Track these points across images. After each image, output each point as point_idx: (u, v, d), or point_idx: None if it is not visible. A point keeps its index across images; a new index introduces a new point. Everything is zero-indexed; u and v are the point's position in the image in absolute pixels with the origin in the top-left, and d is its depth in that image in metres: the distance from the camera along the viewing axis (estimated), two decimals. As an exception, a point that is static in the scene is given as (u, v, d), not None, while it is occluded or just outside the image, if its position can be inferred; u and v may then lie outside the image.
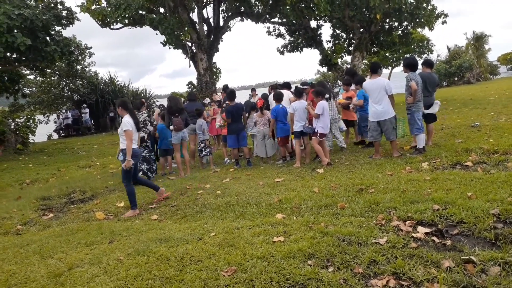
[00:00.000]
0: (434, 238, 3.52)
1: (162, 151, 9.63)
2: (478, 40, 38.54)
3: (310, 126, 8.00)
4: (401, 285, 2.83)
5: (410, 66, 7.51)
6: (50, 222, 6.43)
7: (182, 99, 13.68)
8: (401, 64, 8.43)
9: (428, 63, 8.25)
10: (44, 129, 24.40)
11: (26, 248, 4.99)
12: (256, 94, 12.88)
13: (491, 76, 39.77)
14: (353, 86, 9.51)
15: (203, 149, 9.38)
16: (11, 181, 11.67)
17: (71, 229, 5.64)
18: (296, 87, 9.54)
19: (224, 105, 10.52)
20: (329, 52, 22.00)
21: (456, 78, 35.66)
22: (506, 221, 3.67)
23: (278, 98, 8.69)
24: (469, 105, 14.70)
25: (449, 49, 38.17)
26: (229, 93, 9.13)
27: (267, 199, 5.63)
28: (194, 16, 19.64)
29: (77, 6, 18.41)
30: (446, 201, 4.33)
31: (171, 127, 8.63)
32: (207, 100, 12.68)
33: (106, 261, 3.96)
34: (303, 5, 17.97)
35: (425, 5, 18.03)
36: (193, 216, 5.57)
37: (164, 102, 14.27)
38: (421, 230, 3.68)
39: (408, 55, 25.40)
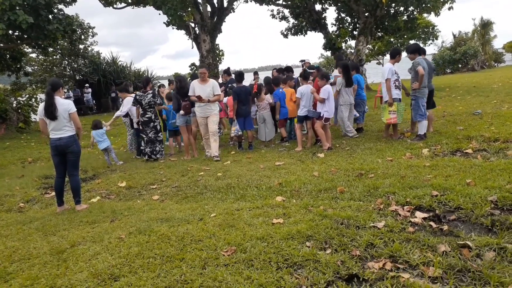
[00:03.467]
0: (431, 223, 3.56)
1: (171, 132, 9.68)
2: (485, 27, 38.06)
3: (314, 110, 7.99)
4: (397, 267, 2.89)
5: (416, 51, 7.50)
6: (52, 200, 6.50)
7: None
8: (405, 51, 8.38)
9: (423, 50, 8.23)
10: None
11: (28, 225, 5.06)
12: (259, 78, 12.80)
13: (495, 64, 39.41)
14: (336, 72, 9.56)
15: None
16: (13, 159, 11.76)
17: (73, 208, 5.71)
18: (304, 70, 9.51)
19: (228, 87, 10.46)
20: (334, 36, 21.78)
21: (460, 65, 35.35)
22: (503, 208, 3.71)
23: (277, 82, 9.25)
24: (472, 92, 14.63)
25: (454, 35, 37.75)
26: (238, 74, 8.94)
27: (267, 182, 5.68)
28: (198, -4, 19.43)
29: (80, -16, 18.20)
30: (445, 187, 4.37)
31: (181, 112, 8.52)
32: None
33: (108, 239, 4.03)
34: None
35: (431, -10, 17.80)
36: (194, 197, 5.63)
37: (166, 83, 14.22)
38: (419, 215, 3.72)
39: (412, 41, 25.17)
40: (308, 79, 8.48)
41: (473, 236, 3.26)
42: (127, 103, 9.46)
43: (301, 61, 11.95)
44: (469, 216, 3.64)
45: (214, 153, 8.14)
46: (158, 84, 14.82)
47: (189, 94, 8.15)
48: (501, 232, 3.24)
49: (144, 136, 8.90)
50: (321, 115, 7.78)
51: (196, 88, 8.06)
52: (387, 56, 34.09)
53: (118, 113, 9.77)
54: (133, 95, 9.21)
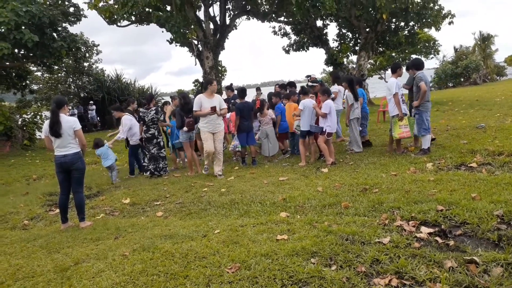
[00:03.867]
0: (437, 238, 3.53)
1: (174, 148, 9.73)
2: (485, 41, 38.29)
3: (317, 125, 8.02)
4: (404, 284, 2.85)
5: (417, 66, 7.56)
6: (56, 217, 6.50)
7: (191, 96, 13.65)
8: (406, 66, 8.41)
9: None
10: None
11: (33, 242, 5.05)
12: (261, 93, 12.87)
13: (497, 78, 39.49)
14: (334, 87, 9.59)
15: None
16: (18, 176, 11.79)
17: (77, 225, 5.71)
18: (302, 86, 9.57)
19: (231, 103, 10.51)
20: (335, 51, 21.97)
21: (462, 79, 35.46)
22: (509, 223, 3.68)
23: (277, 95, 9.63)
24: (475, 106, 14.64)
25: (456, 49, 37.95)
26: (240, 91, 9.02)
27: (271, 198, 5.66)
28: (201, 14, 19.65)
29: (85, 3, 18.51)
30: (450, 201, 4.34)
31: (185, 129, 8.52)
32: None
33: (112, 257, 4.01)
34: (309, 4, 17.94)
35: (432, 5, 17.98)
36: (198, 213, 5.62)
37: (169, 99, 14.29)
38: (425, 230, 3.69)
39: (414, 56, 25.33)
40: (308, 94, 8.51)
41: (480, 251, 3.22)
42: (125, 122, 9.38)
43: (307, 76, 11.99)
44: (475, 231, 3.61)
45: (217, 172, 8.06)
46: (163, 101, 14.88)
47: (195, 108, 7.92)
48: (508, 247, 3.20)
49: (146, 152, 8.92)
50: (324, 130, 7.80)
51: (203, 102, 7.88)
52: (389, 71, 34.35)
53: (120, 135, 9.54)
54: (127, 114, 9.33)
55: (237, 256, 3.55)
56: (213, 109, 7.78)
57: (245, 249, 3.70)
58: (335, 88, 9.70)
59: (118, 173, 9.28)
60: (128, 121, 9.22)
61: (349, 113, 8.66)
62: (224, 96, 12.89)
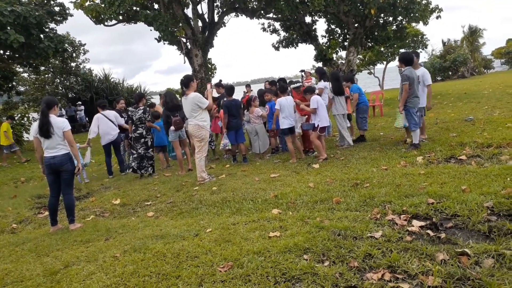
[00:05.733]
0: (428, 231, 3.54)
1: (157, 148, 9.63)
2: (473, 34, 38.65)
3: (308, 123, 8.01)
4: (396, 278, 2.85)
5: (406, 61, 7.49)
6: (45, 220, 6.41)
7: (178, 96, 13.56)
8: (397, 59, 8.34)
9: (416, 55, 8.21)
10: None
11: (21, 246, 4.97)
12: (251, 90, 12.82)
13: (485, 70, 39.92)
14: (321, 84, 9.62)
15: None
16: (6, 179, 11.62)
17: (66, 227, 5.63)
18: (279, 83, 9.50)
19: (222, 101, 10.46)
20: (324, 47, 21.98)
21: (450, 73, 35.79)
22: (499, 214, 3.70)
23: (261, 93, 9.58)
24: (463, 99, 14.76)
25: (444, 43, 38.26)
26: (228, 88, 8.94)
27: (263, 195, 5.64)
28: (189, 12, 19.53)
29: (71, 2, 18.27)
30: (440, 194, 4.36)
31: (172, 128, 8.45)
32: None
33: (102, 259, 3.96)
34: (297, 0, 17.93)
35: (419, -1, 18.07)
36: (189, 212, 5.58)
37: (158, 98, 14.19)
38: (416, 223, 3.70)
39: (403, 50, 25.45)
40: (285, 92, 8.44)
41: (471, 243, 3.23)
42: (93, 121, 9.49)
43: (301, 71, 11.89)
44: (466, 223, 3.63)
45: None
46: (148, 103, 14.59)
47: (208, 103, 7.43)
48: (498, 239, 3.22)
49: (134, 152, 8.84)
50: (316, 125, 7.80)
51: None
52: (378, 66, 34.50)
53: (89, 135, 9.63)
54: (103, 112, 9.45)
55: (230, 254, 3.53)
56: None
57: (238, 247, 3.68)
58: (321, 84, 9.71)
59: (84, 175, 9.51)
60: (95, 120, 9.28)
61: (329, 107, 8.71)
62: (216, 94, 12.80)
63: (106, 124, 9.37)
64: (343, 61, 21.96)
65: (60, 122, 5.47)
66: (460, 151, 6.53)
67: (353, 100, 9.20)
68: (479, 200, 3.99)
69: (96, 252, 4.21)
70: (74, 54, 24.54)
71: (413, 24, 23.10)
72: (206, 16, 20.23)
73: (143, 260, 3.73)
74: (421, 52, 30.69)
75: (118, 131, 9.57)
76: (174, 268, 3.45)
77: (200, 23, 19.89)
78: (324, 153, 7.76)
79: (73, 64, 25.75)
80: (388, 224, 3.80)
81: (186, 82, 7.31)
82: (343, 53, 24.13)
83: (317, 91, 8.77)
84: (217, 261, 3.45)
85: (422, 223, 3.71)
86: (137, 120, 8.65)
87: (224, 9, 20.59)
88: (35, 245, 4.94)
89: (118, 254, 3.98)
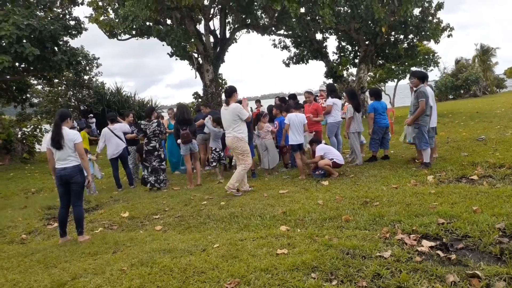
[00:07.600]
0: (439, 252, 3.49)
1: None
2: (485, 53, 38.52)
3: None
4: (405, 299, 2.81)
5: (422, 78, 7.47)
6: (54, 231, 6.44)
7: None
8: (409, 77, 8.31)
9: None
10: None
11: (30, 257, 5.00)
12: (262, 106, 12.88)
13: (497, 90, 39.63)
14: (329, 101, 9.63)
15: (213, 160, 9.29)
16: (17, 190, 11.75)
17: (75, 239, 5.66)
18: (290, 100, 9.68)
19: None
20: (335, 64, 22.09)
21: (462, 91, 35.60)
22: (511, 236, 3.64)
23: (271, 109, 9.78)
24: (475, 118, 14.64)
25: (457, 61, 38.13)
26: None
27: (271, 211, 5.62)
28: (201, 27, 19.86)
29: (86, 17, 18.69)
30: (451, 215, 4.30)
31: (179, 141, 8.52)
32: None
33: (110, 271, 3.96)
34: (308, 18, 18.11)
35: (430, 18, 18.12)
36: (197, 227, 5.57)
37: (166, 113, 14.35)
38: (426, 243, 3.66)
39: (414, 68, 25.45)
40: (299, 108, 8.63)
41: (482, 265, 3.18)
42: (101, 134, 9.65)
43: (307, 92, 11.90)
44: (477, 244, 3.57)
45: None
46: (162, 114, 14.94)
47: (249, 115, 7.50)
48: (510, 261, 3.17)
49: (147, 165, 8.90)
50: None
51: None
52: (389, 83, 34.49)
53: (98, 149, 9.83)
54: (111, 126, 9.54)
55: (237, 271, 3.50)
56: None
57: (245, 263, 3.66)
58: (329, 101, 9.70)
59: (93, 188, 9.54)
60: (102, 135, 9.47)
61: (349, 125, 8.70)
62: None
63: (112, 140, 9.50)
64: (354, 78, 22.02)
65: (71, 134, 5.54)
66: (472, 171, 6.46)
67: (368, 118, 9.08)
68: (491, 221, 3.93)
69: (104, 265, 4.21)
70: (87, 67, 24.92)
71: (425, 42, 23.11)
72: (218, 32, 20.53)
73: (150, 274, 3.72)
74: (431, 70, 30.68)
75: (125, 145, 9.67)
76: (180, 283, 3.44)
77: (212, 39, 20.18)
78: (336, 172, 7.72)
79: (86, 77, 26.14)
80: (397, 244, 3.75)
81: (229, 92, 7.41)
82: (353, 70, 24.23)
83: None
84: (224, 277, 3.43)
85: (432, 244, 3.66)
86: (151, 133, 8.73)
87: (236, 26, 20.89)
88: (43, 256, 4.96)
89: (126, 268, 3.98)
